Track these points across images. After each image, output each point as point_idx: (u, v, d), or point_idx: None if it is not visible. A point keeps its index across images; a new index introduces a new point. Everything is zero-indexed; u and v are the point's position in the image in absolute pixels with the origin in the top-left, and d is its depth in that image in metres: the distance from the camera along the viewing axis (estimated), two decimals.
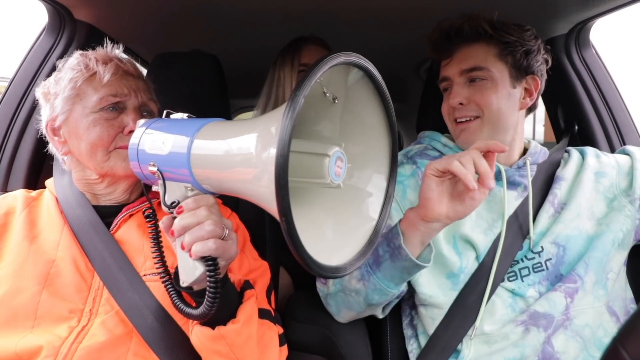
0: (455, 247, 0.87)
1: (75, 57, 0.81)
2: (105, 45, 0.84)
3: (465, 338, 0.83)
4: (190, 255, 0.58)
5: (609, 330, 0.81)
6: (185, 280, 0.61)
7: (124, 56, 0.86)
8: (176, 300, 0.65)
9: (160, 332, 0.70)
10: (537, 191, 0.91)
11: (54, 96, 0.80)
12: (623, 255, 0.88)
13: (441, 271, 0.87)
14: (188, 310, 0.63)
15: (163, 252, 0.66)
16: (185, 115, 0.65)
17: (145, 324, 0.70)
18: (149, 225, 0.66)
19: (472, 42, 0.89)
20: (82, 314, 0.70)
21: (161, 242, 0.66)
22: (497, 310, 0.83)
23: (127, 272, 0.73)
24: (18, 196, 0.82)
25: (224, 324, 0.66)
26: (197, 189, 0.59)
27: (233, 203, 1.02)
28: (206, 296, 0.59)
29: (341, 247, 0.57)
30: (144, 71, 1.02)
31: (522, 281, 0.85)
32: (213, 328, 0.65)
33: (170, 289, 0.65)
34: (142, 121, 0.66)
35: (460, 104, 0.89)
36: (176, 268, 0.67)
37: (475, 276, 0.86)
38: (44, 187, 0.87)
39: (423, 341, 0.90)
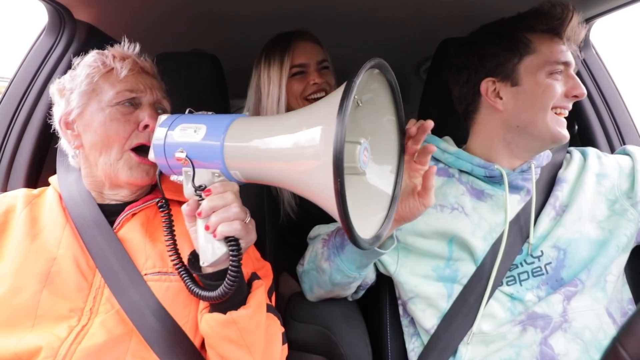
0: (450, 246, 0.88)
1: (92, 55, 0.83)
2: (122, 44, 0.86)
3: (463, 341, 0.84)
4: (215, 236, 0.62)
5: (609, 332, 0.81)
6: (206, 260, 0.64)
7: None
8: (190, 284, 0.68)
9: (160, 332, 0.70)
10: (540, 194, 0.90)
11: (69, 91, 0.81)
12: (624, 258, 0.87)
13: (427, 263, 0.90)
14: (204, 293, 0.66)
15: (175, 239, 0.70)
16: (209, 113, 0.68)
17: (146, 323, 0.70)
18: (162, 215, 0.70)
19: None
20: (82, 313, 0.70)
21: (174, 230, 0.70)
22: (495, 313, 0.83)
23: (128, 271, 0.74)
24: (19, 195, 0.82)
25: (236, 309, 0.67)
26: (225, 175, 0.63)
27: None
28: (227, 276, 0.63)
29: (363, 228, 0.61)
30: None
31: (521, 285, 0.85)
32: (225, 314, 0.67)
33: (183, 274, 0.69)
34: (164, 116, 0.68)
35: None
36: (191, 254, 0.70)
37: (474, 279, 0.86)
38: (46, 186, 0.87)
39: (425, 338, 0.90)
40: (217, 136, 0.61)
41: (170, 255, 0.69)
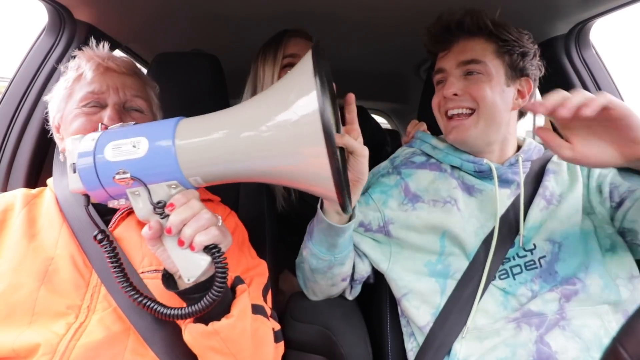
0: (442, 241, 0.89)
1: (74, 59, 0.85)
2: (90, 44, 0.86)
3: (457, 338, 0.84)
4: (193, 249, 0.58)
5: (610, 331, 0.80)
6: (193, 275, 0.60)
7: (122, 54, 0.88)
8: (169, 311, 0.63)
9: (158, 331, 0.70)
10: (530, 186, 0.91)
11: (55, 97, 0.85)
12: (625, 260, 0.84)
13: (420, 259, 0.90)
14: (188, 310, 0.62)
15: (126, 272, 0.64)
16: (131, 123, 0.65)
17: (144, 322, 0.70)
18: (104, 250, 0.64)
19: (472, 36, 0.90)
20: (79, 310, 0.70)
21: (122, 265, 0.64)
22: (488, 309, 0.83)
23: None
24: (17, 194, 0.82)
25: (218, 319, 0.66)
26: (183, 184, 0.59)
27: (232, 203, 1.02)
28: (214, 284, 0.60)
29: None
30: (144, 70, 1.02)
31: (514, 279, 0.85)
32: (207, 324, 0.65)
33: (154, 306, 0.63)
34: (72, 139, 0.61)
35: (455, 94, 0.89)
36: (165, 273, 0.66)
37: (467, 274, 0.86)
38: (45, 186, 0.88)
39: (419, 337, 0.90)
40: (167, 143, 0.56)
41: (131, 295, 0.63)
